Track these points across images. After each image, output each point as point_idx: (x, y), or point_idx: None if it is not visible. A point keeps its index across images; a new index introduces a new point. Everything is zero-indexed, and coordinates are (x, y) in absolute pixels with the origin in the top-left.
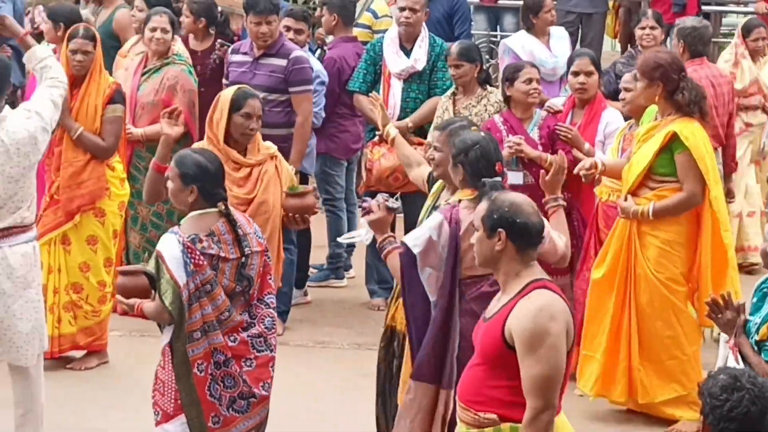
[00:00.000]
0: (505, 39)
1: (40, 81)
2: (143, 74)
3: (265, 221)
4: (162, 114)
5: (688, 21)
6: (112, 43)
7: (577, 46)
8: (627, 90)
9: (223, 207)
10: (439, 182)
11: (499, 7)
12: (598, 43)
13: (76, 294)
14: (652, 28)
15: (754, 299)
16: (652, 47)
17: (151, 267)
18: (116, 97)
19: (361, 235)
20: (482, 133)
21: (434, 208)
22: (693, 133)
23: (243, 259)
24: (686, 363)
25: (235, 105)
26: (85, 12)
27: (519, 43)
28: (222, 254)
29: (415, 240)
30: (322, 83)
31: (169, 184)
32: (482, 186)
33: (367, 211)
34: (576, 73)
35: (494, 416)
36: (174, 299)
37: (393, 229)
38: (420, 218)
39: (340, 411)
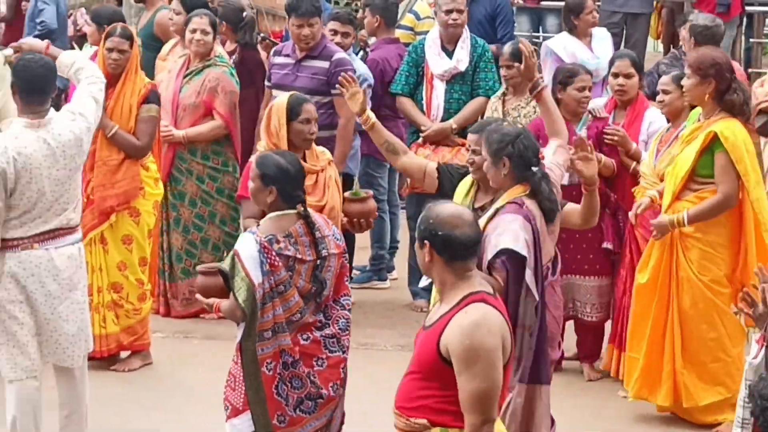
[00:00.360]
0: (546, 41)
1: (78, 83)
2: (185, 76)
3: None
4: None
5: (701, 19)
6: (155, 44)
7: (622, 46)
8: (665, 92)
9: (302, 209)
10: (468, 182)
11: (542, 8)
12: (643, 44)
13: (117, 293)
14: None
15: None
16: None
17: (226, 265)
18: (151, 97)
19: None
20: (519, 125)
21: (473, 209)
22: (734, 133)
23: (318, 261)
24: (731, 365)
25: (293, 112)
26: None
27: (561, 45)
28: (298, 256)
29: (516, 243)
30: (370, 86)
31: (250, 184)
32: (533, 175)
33: None
34: (616, 75)
35: (424, 421)
36: (248, 296)
37: None
38: None
39: (383, 412)
